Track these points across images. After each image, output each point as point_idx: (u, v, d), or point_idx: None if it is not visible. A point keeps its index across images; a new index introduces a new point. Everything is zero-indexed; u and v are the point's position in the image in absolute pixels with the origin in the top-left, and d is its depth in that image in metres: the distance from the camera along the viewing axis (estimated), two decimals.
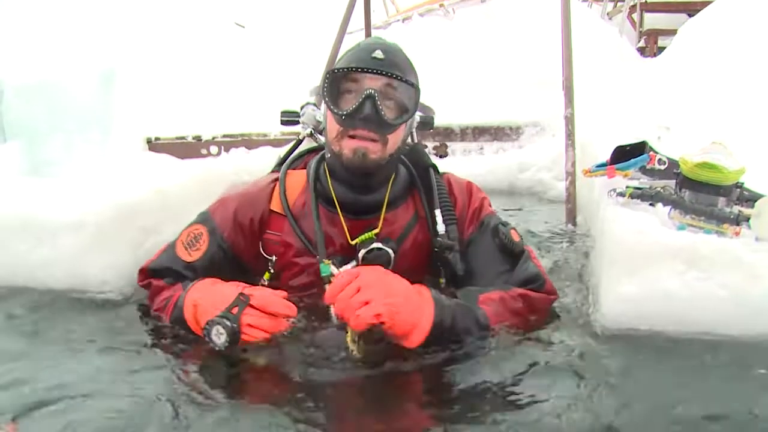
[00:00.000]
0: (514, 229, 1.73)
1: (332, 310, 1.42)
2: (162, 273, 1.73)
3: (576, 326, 1.66)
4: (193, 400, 1.31)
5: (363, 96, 1.55)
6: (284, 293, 1.51)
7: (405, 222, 1.73)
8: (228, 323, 1.40)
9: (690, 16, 6.08)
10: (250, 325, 1.44)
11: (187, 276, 1.69)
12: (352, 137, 1.59)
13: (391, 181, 1.72)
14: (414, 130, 1.99)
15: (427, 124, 2.03)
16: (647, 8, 8.69)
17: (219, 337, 1.40)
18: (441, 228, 1.69)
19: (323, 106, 1.65)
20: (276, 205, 1.75)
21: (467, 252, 1.72)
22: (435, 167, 1.81)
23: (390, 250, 1.61)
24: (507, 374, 1.41)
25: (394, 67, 1.58)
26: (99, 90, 4.84)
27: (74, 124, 4.55)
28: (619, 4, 9.48)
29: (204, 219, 1.78)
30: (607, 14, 9.43)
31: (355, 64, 1.59)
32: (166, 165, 2.97)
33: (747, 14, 4.08)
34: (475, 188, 1.85)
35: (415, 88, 1.62)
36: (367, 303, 1.36)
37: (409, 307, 1.41)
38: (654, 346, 1.55)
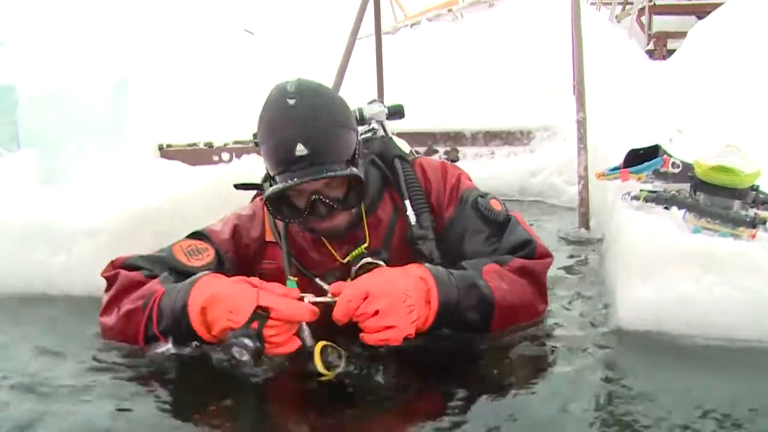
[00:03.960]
0: (495, 198, 1.71)
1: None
2: (141, 268, 1.60)
3: (591, 329, 1.65)
4: (207, 401, 1.33)
5: (309, 202, 1.53)
6: (297, 292, 1.44)
7: (387, 220, 1.72)
8: (250, 344, 1.33)
9: (699, 18, 6.07)
10: (272, 339, 1.36)
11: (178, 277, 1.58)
12: (316, 221, 1.58)
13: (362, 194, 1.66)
14: (384, 121, 1.95)
15: (397, 113, 1.99)
16: (656, 11, 8.66)
17: (242, 355, 1.34)
18: (412, 218, 1.67)
19: None
20: (270, 236, 1.74)
21: (452, 232, 1.70)
22: (402, 156, 1.78)
23: (381, 262, 1.57)
24: (520, 375, 1.41)
25: (321, 158, 1.48)
26: (111, 98, 4.90)
27: (87, 132, 4.61)
28: (627, 7, 9.47)
29: (205, 237, 1.71)
30: (616, 17, 9.41)
31: (281, 167, 1.50)
32: (178, 172, 2.99)
33: (757, 16, 4.07)
34: (450, 167, 1.81)
35: (352, 174, 1.52)
36: (389, 328, 1.35)
37: (422, 303, 1.41)
38: (670, 350, 1.54)
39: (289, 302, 1.40)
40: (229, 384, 1.41)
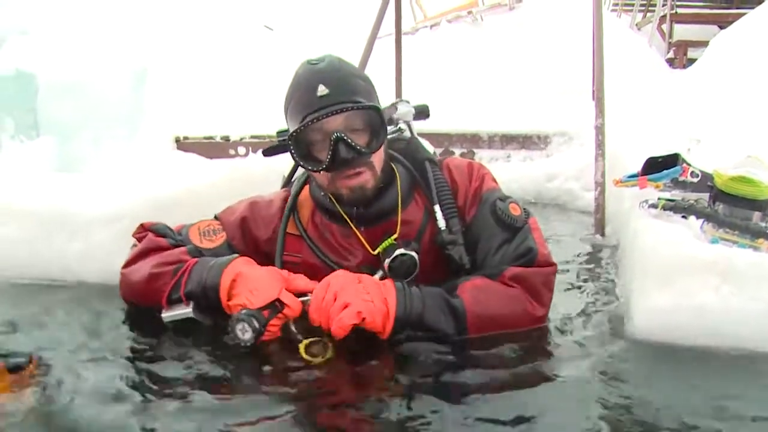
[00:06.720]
0: (515, 202, 1.71)
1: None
2: (166, 236, 1.76)
3: (606, 337, 1.64)
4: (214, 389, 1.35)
5: (332, 142, 1.54)
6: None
7: (419, 220, 1.72)
8: (256, 325, 1.47)
9: (721, 28, 6.02)
10: (271, 328, 1.52)
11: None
12: (343, 177, 1.60)
13: (398, 183, 1.71)
14: (410, 122, 1.96)
15: (422, 113, 2.00)
16: (677, 19, 8.63)
17: (244, 333, 1.47)
18: (441, 223, 1.67)
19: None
20: (292, 228, 1.75)
21: (471, 233, 1.70)
22: (431, 159, 1.78)
23: (413, 253, 1.61)
24: (529, 383, 1.40)
25: (343, 96, 1.55)
26: (130, 89, 4.92)
27: (105, 121, 4.64)
28: (648, 14, 9.43)
29: (220, 221, 1.81)
30: (636, 25, 9.37)
31: (305, 111, 1.56)
32: (195, 164, 3.00)
33: None
34: (476, 166, 1.80)
35: (373, 108, 1.59)
36: (346, 306, 1.46)
37: (379, 301, 1.49)
38: (686, 359, 1.53)
39: (300, 306, 1.55)
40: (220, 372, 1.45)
